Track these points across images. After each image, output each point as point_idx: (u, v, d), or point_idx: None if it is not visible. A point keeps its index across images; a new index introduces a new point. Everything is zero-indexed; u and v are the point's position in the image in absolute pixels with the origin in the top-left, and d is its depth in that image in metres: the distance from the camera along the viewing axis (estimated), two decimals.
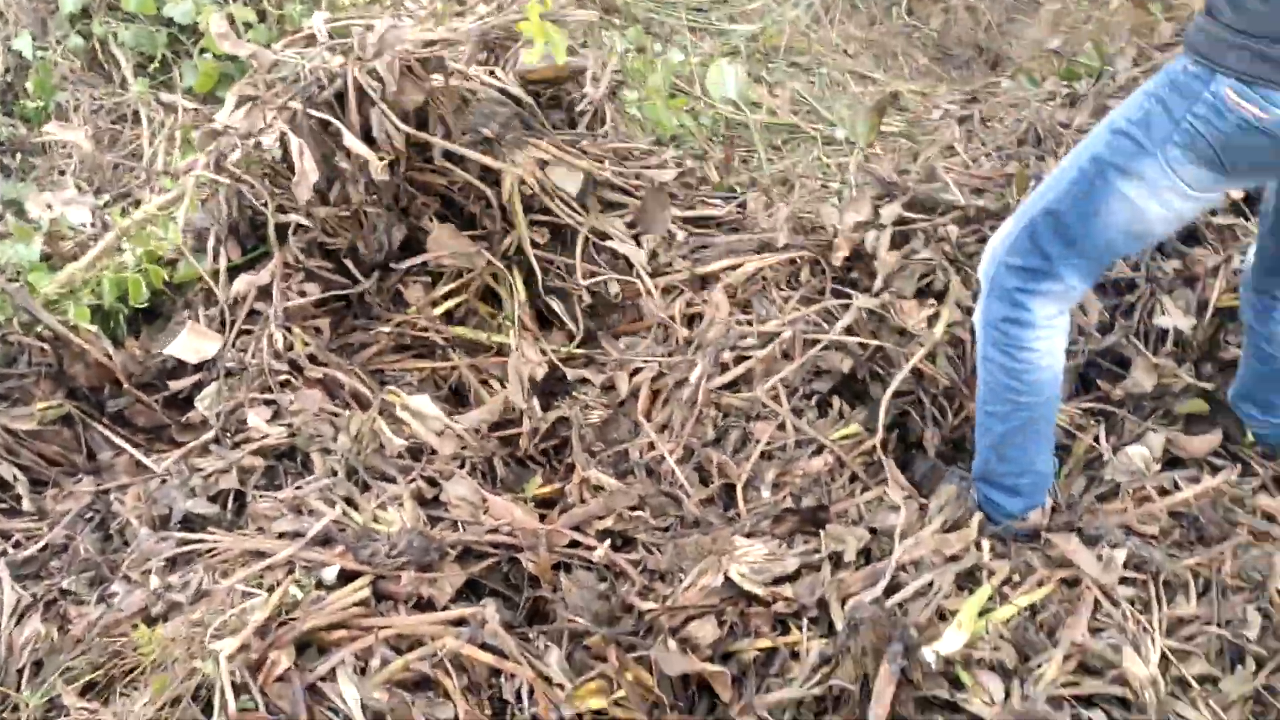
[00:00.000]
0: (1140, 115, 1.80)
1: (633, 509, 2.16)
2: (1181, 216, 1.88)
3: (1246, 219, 2.66)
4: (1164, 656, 1.81)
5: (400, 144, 2.29)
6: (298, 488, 2.13)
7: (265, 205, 2.36)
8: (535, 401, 2.44)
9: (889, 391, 2.31)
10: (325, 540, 2.01)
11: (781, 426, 2.28)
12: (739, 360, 2.39)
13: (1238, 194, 2.65)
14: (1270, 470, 2.25)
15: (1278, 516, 2.12)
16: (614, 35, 4.13)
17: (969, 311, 2.29)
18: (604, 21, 4.33)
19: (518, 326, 2.52)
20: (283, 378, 2.31)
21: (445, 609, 1.96)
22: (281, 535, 2.03)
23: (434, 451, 2.22)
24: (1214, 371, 2.45)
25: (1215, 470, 2.20)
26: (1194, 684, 1.79)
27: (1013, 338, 1.98)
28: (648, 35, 4.36)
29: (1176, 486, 2.13)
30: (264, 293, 2.39)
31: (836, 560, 1.97)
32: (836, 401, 2.36)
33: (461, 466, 2.25)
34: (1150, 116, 1.78)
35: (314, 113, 2.24)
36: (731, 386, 2.36)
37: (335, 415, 2.25)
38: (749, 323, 2.48)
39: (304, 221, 2.34)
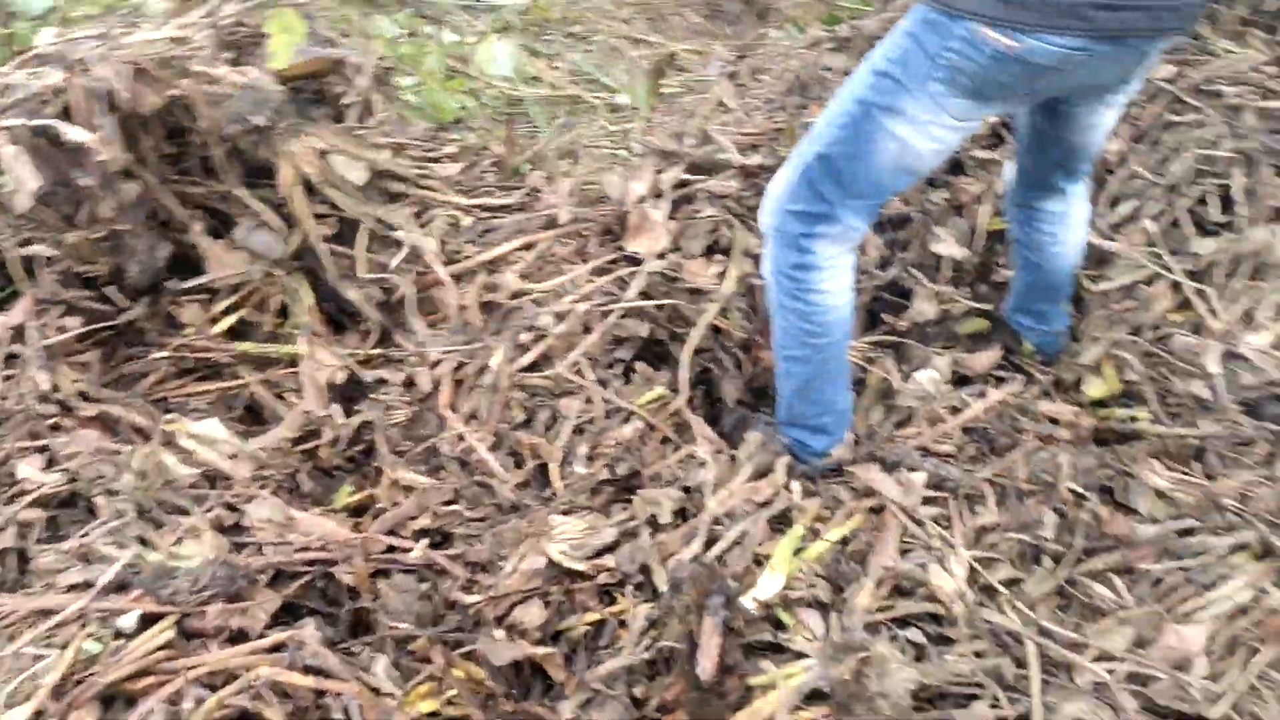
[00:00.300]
0: (899, 54, 1.81)
1: (447, 504, 2.11)
2: (949, 147, 1.92)
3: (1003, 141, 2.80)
4: (970, 567, 1.89)
5: (119, 148, 2.13)
6: (84, 535, 1.98)
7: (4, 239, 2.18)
8: (336, 408, 2.34)
9: (688, 350, 2.33)
10: (120, 586, 1.88)
11: (589, 399, 2.27)
12: (538, 339, 2.36)
13: (993, 119, 2.78)
14: (1050, 376, 2.38)
15: (1060, 419, 2.24)
16: (382, 20, 4.01)
17: (758, 262, 2.34)
18: (371, 6, 4.20)
19: (308, 333, 2.42)
20: (52, 421, 2.14)
21: (261, 637, 1.87)
22: (71, 588, 1.89)
23: (228, 476, 2.11)
24: (990, 291, 2.57)
25: (1000, 383, 2.32)
26: (1000, 589, 1.86)
27: (801, 282, 2.01)
28: (419, 19, 4.26)
29: (966, 404, 2.23)
30: (20, 333, 2.21)
31: (654, 524, 1.98)
32: (640, 367, 2.37)
33: (263, 487, 2.14)
34: (908, 55, 1.79)
35: (38, 121, 2.07)
36: (534, 367, 2.34)
37: (116, 453, 2.10)
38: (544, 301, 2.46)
39: (51, 252, 2.17)
